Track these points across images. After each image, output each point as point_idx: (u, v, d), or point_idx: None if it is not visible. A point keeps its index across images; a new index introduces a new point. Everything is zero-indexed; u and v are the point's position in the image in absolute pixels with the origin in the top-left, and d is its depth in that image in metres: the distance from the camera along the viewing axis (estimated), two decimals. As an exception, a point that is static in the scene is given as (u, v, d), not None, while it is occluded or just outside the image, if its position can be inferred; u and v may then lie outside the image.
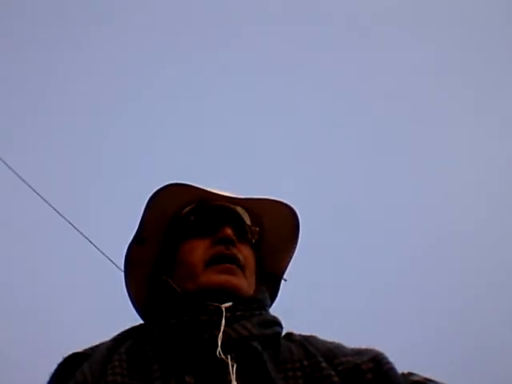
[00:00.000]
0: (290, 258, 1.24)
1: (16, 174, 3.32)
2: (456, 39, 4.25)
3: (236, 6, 4.31)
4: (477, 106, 4.29)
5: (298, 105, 4.36)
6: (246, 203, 1.18)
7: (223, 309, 1.00)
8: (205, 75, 4.35)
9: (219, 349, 0.94)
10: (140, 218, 1.17)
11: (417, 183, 4.26)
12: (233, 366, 0.92)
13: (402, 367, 1.00)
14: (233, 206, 1.17)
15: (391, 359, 0.99)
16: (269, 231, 1.22)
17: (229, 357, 0.93)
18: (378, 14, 4.27)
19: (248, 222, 1.18)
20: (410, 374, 1.01)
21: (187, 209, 1.17)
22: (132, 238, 1.18)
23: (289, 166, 4.32)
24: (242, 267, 1.09)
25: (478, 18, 4.25)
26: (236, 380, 0.91)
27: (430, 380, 1.00)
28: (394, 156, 4.30)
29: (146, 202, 1.16)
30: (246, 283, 1.09)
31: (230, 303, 1.02)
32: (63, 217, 3.24)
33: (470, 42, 4.24)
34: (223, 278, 1.06)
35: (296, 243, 1.23)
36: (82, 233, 3.18)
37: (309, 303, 3.50)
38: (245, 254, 1.12)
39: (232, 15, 4.37)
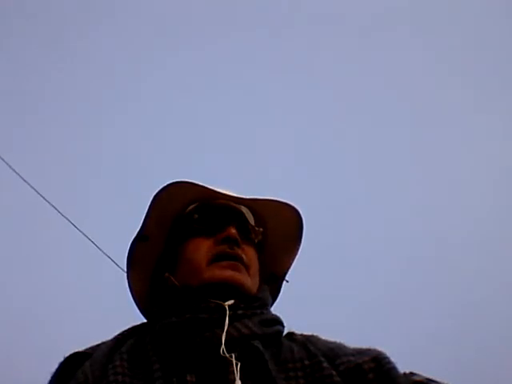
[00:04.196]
0: (293, 259, 1.24)
1: (16, 173, 3.33)
2: (456, 39, 4.25)
3: (236, 6, 4.31)
4: (477, 106, 4.29)
5: (298, 105, 4.36)
6: (250, 203, 1.18)
7: (226, 307, 1.00)
8: (205, 75, 4.35)
9: (223, 347, 0.94)
10: (144, 215, 1.17)
11: (416, 183, 4.26)
12: (237, 365, 0.92)
13: (403, 367, 1.00)
14: (237, 206, 1.16)
15: (392, 359, 0.99)
16: (272, 232, 1.21)
17: (233, 355, 0.93)
18: (378, 13, 4.27)
19: (252, 222, 1.18)
20: (412, 373, 1.01)
21: (191, 207, 1.17)
22: (135, 235, 1.18)
23: (289, 165, 4.32)
24: (246, 266, 1.09)
25: (478, 18, 4.25)
26: (239, 378, 0.90)
27: (431, 380, 1.00)
28: (394, 156, 4.30)
29: (150, 199, 1.16)
30: (250, 281, 1.08)
31: (232, 301, 1.02)
32: (64, 216, 3.24)
33: (469, 41, 4.24)
34: (228, 273, 1.06)
35: (299, 245, 1.23)
36: (82, 232, 3.18)
37: (308, 303, 3.50)
38: (248, 254, 1.11)
39: (232, 15, 4.37)
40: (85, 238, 3.17)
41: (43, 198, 3.28)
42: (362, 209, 4.22)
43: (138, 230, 1.18)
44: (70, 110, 4.23)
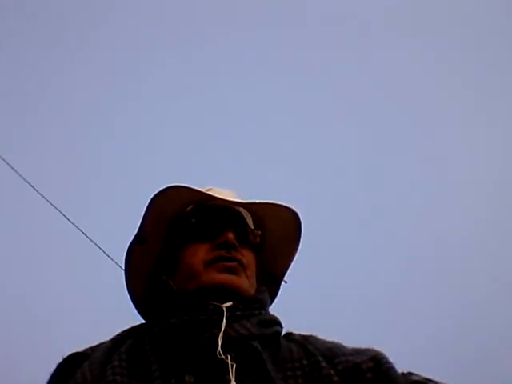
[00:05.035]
0: (292, 260, 1.23)
1: (17, 172, 3.33)
2: (456, 39, 4.25)
3: (236, 6, 4.31)
4: (477, 106, 4.29)
5: (298, 105, 4.36)
6: (248, 205, 1.18)
7: (224, 309, 1.00)
8: (205, 75, 4.35)
9: (219, 348, 0.94)
10: (141, 217, 1.17)
11: (416, 183, 4.26)
12: (232, 366, 0.92)
13: (403, 367, 1.00)
14: (235, 208, 1.16)
15: (392, 359, 0.99)
16: (271, 233, 1.21)
17: (228, 357, 0.93)
18: (378, 13, 4.27)
19: (250, 224, 1.18)
20: (410, 373, 1.01)
21: (189, 208, 1.17)
22: (133, 237, 1.18)
23: (289, 165, 4.32)
24: (243, 268, 1.09)
25: (478, 18, 4.25)
26: (235, 379, 0.91)
27: (429, 380, 1.01)
28: (394, 156, 4.30)
29: (147, 201, 1.15)
30: (247, 283, 1.08)
31: (230, 303, 1.02)
32: (64, 215, 3.24)
33: (469, 42, 4.24)
34: (225, 276, 1.06)
35: (298, 246, 1.22)
36: (82, 231, 3.18)
37: (308, 303, 3.50)
38: (246, 257, 1.11)
39: (232, 15, 4.37)
40: (85, 237, 3.18)
41: (43, 197, 3.29)
42: (361, 209, 4.22)
43: (135, 232, 1.18)
44: (70, 110, 4.23)
